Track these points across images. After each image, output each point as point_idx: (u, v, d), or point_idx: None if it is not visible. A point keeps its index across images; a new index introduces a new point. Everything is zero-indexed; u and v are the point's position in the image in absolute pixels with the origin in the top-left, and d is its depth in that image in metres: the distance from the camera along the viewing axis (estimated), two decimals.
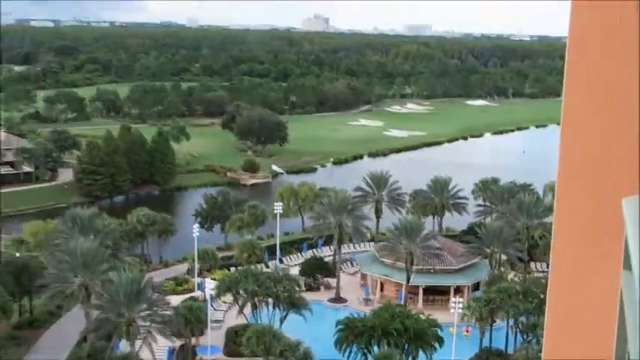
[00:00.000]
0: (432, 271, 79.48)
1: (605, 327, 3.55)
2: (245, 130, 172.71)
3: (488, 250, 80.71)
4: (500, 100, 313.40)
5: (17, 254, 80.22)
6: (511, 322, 65.84)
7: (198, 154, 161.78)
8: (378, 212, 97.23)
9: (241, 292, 68.18)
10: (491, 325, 67.00)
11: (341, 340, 59.89)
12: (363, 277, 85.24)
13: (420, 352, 60.16)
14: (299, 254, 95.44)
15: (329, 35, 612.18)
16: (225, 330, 70.83)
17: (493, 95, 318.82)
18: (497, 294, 65.16)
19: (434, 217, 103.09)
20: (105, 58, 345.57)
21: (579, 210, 3.67)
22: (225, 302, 74.58)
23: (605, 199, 3.57)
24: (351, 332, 59.62)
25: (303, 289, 76.77)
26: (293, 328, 64.87)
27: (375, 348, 59.31)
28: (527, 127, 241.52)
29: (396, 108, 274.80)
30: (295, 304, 67.22)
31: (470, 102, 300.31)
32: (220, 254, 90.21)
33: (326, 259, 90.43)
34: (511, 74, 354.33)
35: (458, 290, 77.98)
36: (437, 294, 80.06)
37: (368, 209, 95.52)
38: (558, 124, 3.65)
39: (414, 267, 76.75)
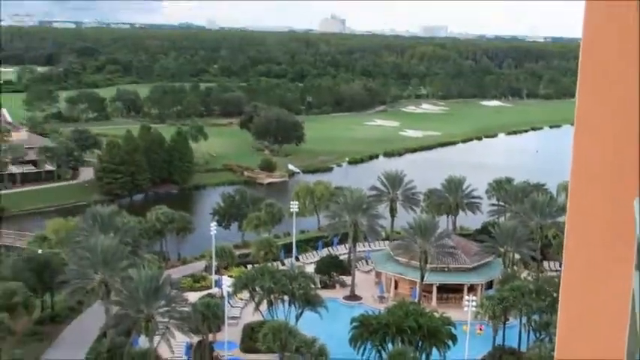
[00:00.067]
0: (445, 269, 79.29)
1: (617, 327, 3.50)
2: (262, 129, 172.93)
3: (501, 249, 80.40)
4: (514, 100, 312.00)
5: (39, 251, 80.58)
6: (524, 320, 65.54)
7: (216, 154, 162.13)
8: (392, 211, 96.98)
9: (258, 289, 68.27)
10: (505, 324, 66.71)
11: (356, 337, 59.85)
12: (378, 275, 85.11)
13: (434, 350, 60.04)
14: (315, 252, 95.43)
15: (345, 36, 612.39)
16: (241, 326, 70.94)
17: (507, 96, 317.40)
18: (510, 292, 64.88)
19: (448, 217, 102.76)
20: (125, 59, 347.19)
21: (592, 210, 3.62)
22: (241, 299, 74.80)
23: (618, 200, 3.52)
24: (366, 329, 59.56)
25: (319, 286, 76.90)
26: (308, 325, 64.89)
27: (390, 345, 59.24)
28: (541, 128, 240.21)
29: (411, 108, 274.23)
30: (311, 302, 67.24)
31: (484, 102, 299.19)
32: (237, 252, 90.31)
33: (341, 257, 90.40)
34: (525, 75, 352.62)
35: (471, 288, 77.77)
36: (450, 292, 79.84)
37: (383, 208, 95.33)
38: (572, 124, 3.60)
39: (428, 265, 76.55)
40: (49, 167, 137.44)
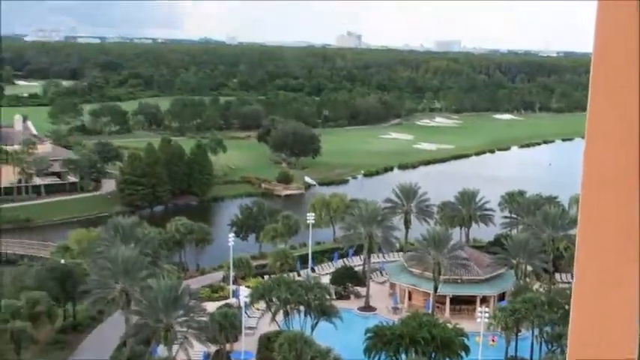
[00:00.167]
0: (459, 281, 78.88)
1: (629, 339, 3.47)
2: (279, 142, 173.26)
3: (514, 261, 79.89)
4: (527, 114, 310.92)
5: (62, 261, 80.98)
6: (536, 331, 65.03)
7: (234, 166, 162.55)
8: (407, 223, 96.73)
9: (274, 299, 68.17)
10: (517, 335, 66.24)
11: (370, 347, 59.59)
12: (392, 286, 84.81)
13: None
14: (330, 263, 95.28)
15: (361, 51, 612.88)
16: (258, 336, 70.84)
17: (520, 109, 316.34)
18: (522, 304, 64.43)
19: (461, 229, 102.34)
20: (147, 73, 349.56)
21: (603, 223, 3.59)
22: (258, 309, 74.73)
23: (629, 213, 3.49)
24: (380, 340, 59.30)
25: (334, 297, 76.64)
26: (324, 335, 64.68)
27: (403, 356, 58.94)
28: (553, 141, 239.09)
29: (425, 122, 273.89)
30: (326, 312, 67.06)
31: (497, 116, 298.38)
32: (254, 263, 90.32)
33: (356, 269, 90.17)
34: (538, 89, 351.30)
35: (484, 300, 77.31)
36: (463, 303, 79.37)
37: (397, 220, 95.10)
38: (583, 137, 3.58)
39: (442, 277, 76.17)
40: (72, 179, 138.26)
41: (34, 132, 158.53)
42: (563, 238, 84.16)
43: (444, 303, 78.99)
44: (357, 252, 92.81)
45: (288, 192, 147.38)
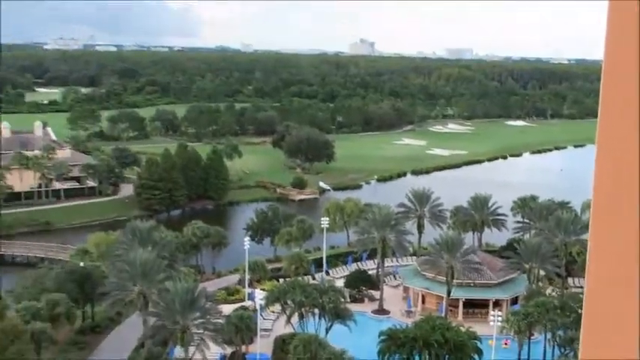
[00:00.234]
0: (471, 284, 78.60)
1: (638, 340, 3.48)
2: (294, 148, 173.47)
3: (526, 266, 79.48)
4: (538, 120, 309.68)
5: (81, 264, 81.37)
6: (549, 335, 64.66)
7: (249, 171, 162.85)
8: (420, 228, 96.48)
9: (289, 302, 68.17)
10: (530, 338, 65.89)
11: (384, 350, 59.46)
12: (406, 289, 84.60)
13: None
14: (344, 267, 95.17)
15: (374, 59, 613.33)
16: (273, 338, 70.80)
17: (532, 116, 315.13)
18: (535, 308, 64.09)
19: (474, 233, 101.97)
20: (164, 80, 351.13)
21: (615, 228, 3.60)
22: (273, 312, 74.73)
23: None
24: (394, 343, 59.15)
25: (348, 300, 76.48)
26: (338, 337, 64.59)
27: (417, 358, 58.77)
28: (565, 147, 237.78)
29: (438, 128, 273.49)
30: (340, 315, 66.98)
31: (509, 122, 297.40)
32: (270, 266, 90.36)
33: (370, 272, 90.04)
34: (549, 96, 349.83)
35: (497, 304, 76.96)
36: (476, 307, 79.06)
37: (410, 225, 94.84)
38: (595, 143, 3.60)
39: (455, 281, 75.92)
40: (91, 183, 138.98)
41: (54, 138, 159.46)
42: (575, 243, 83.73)
43: (457, 306, 78.71)
44: (371, 256, 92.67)
45: (303, 197, 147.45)
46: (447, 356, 58.64)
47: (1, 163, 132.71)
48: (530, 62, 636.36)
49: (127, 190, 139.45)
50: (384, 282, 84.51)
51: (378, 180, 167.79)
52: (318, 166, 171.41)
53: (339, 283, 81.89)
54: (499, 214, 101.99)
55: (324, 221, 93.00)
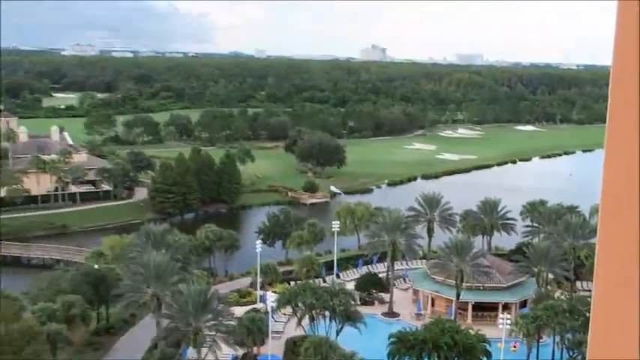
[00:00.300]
0: (481, 288, 78.26)
1: None
2: (306, 153, 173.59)
3: (535, 269, 79.07)
4: (548, 125, 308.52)
5: (96, 266, 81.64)
6: (557, 338, 64.27)
7: (262, 175, 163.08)
8: (429, 231, 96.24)
9: (300, 304, 68.09)
10: (538, 341, 65.51)
11: (393, 352, 59.27)
12: (415, 292, 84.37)
13: None
14: (355, 270, 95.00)
15: (385, 65, 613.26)
16: (284, 340, 70.80)
17: (541, 121, 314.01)
18: (544, 311, 63.74)
19: (483, 237, 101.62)
20: (178, 86, 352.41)
21: (622, 232, 3.57)
22: (285, 314, 74.62)
23: None
24: (403, 345, 58.96)
25: (358, 303, 76.40)
26: (348, 339, 64.47)
27: None
28: (574, 152, 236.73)
29: (448, 133, 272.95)
30: (350, 317, 66.86)
31: (519, 127, 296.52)
32: (281, 269, 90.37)
33: (380, 275, 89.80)
34: (559, 101, 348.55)
35: (506, 307, 76.53)
36: (485, 310, 78.71)
37: (420, 228, 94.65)
38: (603, 148, 3.57)
39: (464, 284, 75.64)
40: (106, 187, 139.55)
41: (70, 142, 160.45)
42: (584, 247, 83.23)
43: (466, 309, 78.40)
44: (381, 259, 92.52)
45: (314, 200, 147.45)
46: (456, 359, 58.38)
47: (19, 167, 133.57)
48: (540, 68, 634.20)
49: (141, 193, 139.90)
50: (394, 285, 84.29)
51: (389, 184, 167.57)
52: (330, 170, 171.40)
53: (350, 286, 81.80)
54: (508, 218, 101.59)
55: (335, 225, 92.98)
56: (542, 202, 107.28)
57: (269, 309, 68.53)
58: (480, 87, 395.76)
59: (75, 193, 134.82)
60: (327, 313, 67.34)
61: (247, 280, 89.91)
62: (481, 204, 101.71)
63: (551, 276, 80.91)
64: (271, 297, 69.38)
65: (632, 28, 3.36)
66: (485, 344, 59.87)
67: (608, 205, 3.56)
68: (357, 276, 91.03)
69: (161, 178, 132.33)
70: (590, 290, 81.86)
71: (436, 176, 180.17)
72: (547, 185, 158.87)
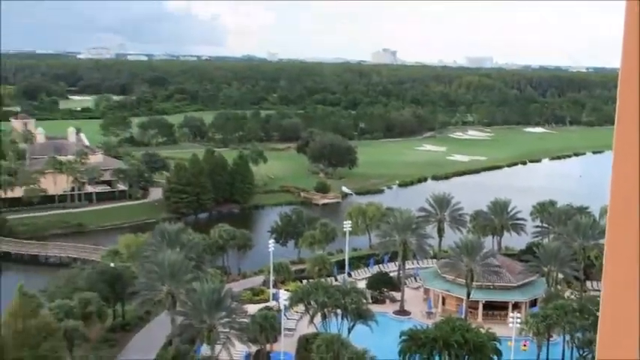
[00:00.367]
0: (491, 287, 77.99)
1: None
2: (317, 154, 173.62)
3: (545, 269, 78.76)
4: (557, 127, 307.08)
5: (112, 264, 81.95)
6: (567, 337, 63.94)
7: (274, 176, 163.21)
8: (440, 231, 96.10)
9: (312, 302, 68.06)
10: (548, 340, 65.20)
11: (404, 350, 59.16)
12: (426, 291, 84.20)
13: None
14: (366, 269, 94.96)
15: (396, 67, 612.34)
16: (297, 338, 70.81)
17: (551, 123, 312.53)
18: (553, 310, 63.44)
19: (493, 237, 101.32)
20: (192, 88, 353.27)
21: (630, 232, 3.57)
22: (297, 312, 74.69)
23: None
24: (414, 343, 58.84)
25: (370, 301, 76.22)
26: (360, 337, 64.40)
27: (437, 358, 58.39)
28: (583, 153, 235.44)
29: (458, 134, 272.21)
30: (362, 316, 66.77)
31: (528, 129, 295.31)
32: (293, 268, 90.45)
33: (391, 274, 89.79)
34: (568, 103, 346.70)
35: (516, 306, 76.30)
36: (496, 309, 78.44)
37: (431, 228, 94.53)
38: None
39: (474, 283, 75.44)
40: (122, 187, 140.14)
41: (87, 143, 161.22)
42: (594, 247, 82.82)
43: (476, 308, 78.17)
44: (392, 258, 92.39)
45: (326, 201, 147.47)
46: (466, 357, 58.20)
47: (36, 168, 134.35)
48: (549, 70, 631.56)
49: (156, 193, 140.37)
50: (405, 284, 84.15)
51: (400, 185, 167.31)
52: (341, 171, 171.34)
53: (361, 285, 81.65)
54: (518, 219, 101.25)
55: (347, 224, 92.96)
56: (552, 203, 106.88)
57: (281, 307, 68.49)
58: (490, 89, 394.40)
59: (91, 193, 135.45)
60: (338, 311, 67.26)
61: (260, 279, 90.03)
62: (491, 204, 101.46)
63: (561, 276, 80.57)
64: (284, 295, 69.38)
65: (638, 32, 3.37)
66: (495, 343, 59.65)
67: (616, 206, 3.56)
68: (368, 275, 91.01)
69: (175, 179, 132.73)
70: (600, 290, 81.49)
71: (446, 177, 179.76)
72: (557, 186, 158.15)
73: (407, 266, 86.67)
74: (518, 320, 65.08)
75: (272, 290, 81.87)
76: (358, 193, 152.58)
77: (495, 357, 58.80)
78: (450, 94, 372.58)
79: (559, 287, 79.61)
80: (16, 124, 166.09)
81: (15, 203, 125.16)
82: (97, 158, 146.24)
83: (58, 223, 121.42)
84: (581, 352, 61.81)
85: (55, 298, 69.39)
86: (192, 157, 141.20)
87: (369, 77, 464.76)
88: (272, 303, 78.54)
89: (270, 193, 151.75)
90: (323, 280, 76.84)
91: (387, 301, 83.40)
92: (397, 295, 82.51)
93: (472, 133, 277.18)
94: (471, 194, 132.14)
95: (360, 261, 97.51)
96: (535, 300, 78.19)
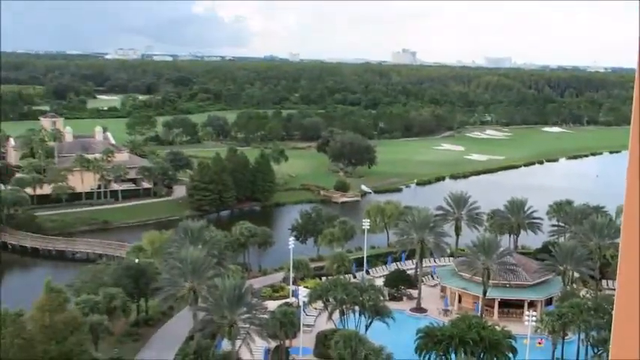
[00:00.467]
0: (507, 285, 77.56)
1: None
2: (337, 153, 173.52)
3: (561, 268, 78.12)
4: (575, 127, 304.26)
5: (136, 260, 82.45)
6: (582, 335, 63.42)
7: (295, 174, 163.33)
8: (457, 230, 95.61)
9: (331, 299, 68.14)
10: (564, 338, 64.73)
11: (421, 347, 59.00)
12: (443, 289, 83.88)
13: None
14: (384, 267, 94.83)
15: (415, 68, 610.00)
16: (315, 334, 70.84)
17: (568, 123, 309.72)
18: (569, 309, 62.96)
19: (510, 236, 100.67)
20: (216, 88, 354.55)
21: None
22: (316, 308, 74.80)
23: None
24: (431, 340, 58.66)
25: (387, 298, 76.09)
26: (377, 334, 64.36)
27: (453, 355, 58.15)
28: (600, 153, 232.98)
29: (476, 134, 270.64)
30: (379, 312, 66.73)
31: (546, 129, 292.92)
32: (313, 265, 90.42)
33: (408, 272, 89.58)
34: (586, 103, 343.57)
35: (532, 304, 75.82)
36: (512, 307, 77.97)
37: (448, 227, 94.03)
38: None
39: (491, 281, 75.05)
40: (146, 185, 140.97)
41: (113, 142, 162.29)
42: (609, 246, 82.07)
43: (492, 306, 77.73)
44: (410, 256, 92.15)
45: (345, 199, 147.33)
46: (482, 354, 57.92)
47: (64, 165, 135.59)
48: (567, 71, 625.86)
49: (180, 191, 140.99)
50: (422, 281, 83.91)
51: (418, 184, 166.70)
52: (361, 170, 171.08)
53: (379, 282, 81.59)
54: (535, 218, 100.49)
55: (365, 222, 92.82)
56: (569, 202, 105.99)
57: (301, 303, 68.66)
58: (508, 89, 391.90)
59: (117, 191, 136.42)
60: (356, 308, 67.32)
61: (280, 276, 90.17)
62: (508, 203, 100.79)
63: (576, 275, 79.87)
64: (303, 292, 69.59)
65: None
66: (511, 340, 59.30)
67: (631, 206, 3.53)
68: (386, 272, 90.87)
69: (199, 177, 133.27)
70: (615, 289, 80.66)
71: (464, 176, 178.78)
72: (574, 185, 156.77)
73: (424, 264, 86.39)
74: (534, 318, 64.66)
75: (292, 287, 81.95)
76: (377, 192, 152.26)
77: (511, 355, 58.46)
78: (469, 93, 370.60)
79: (575, 286, 78.94)
80: (45, 122, 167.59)
81: (44, 200, 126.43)
82: (122, 156, 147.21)
83: (85, 219, 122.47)
84: (595, 351, 61.26)
85: (82, 293, 70.06)
86: (215, 155, 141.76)
87: (388, 77, 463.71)
88: (291, 299, 78.73)
89: (291, 191, 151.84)
90: (341, 277, 76.84)
91: (404, 298, 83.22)
92: (414, 292, 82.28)
93: (490, 133, 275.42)
94: (488, 193, 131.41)
95: (378, 259, 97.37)
96: (551, 298, 77.62)
